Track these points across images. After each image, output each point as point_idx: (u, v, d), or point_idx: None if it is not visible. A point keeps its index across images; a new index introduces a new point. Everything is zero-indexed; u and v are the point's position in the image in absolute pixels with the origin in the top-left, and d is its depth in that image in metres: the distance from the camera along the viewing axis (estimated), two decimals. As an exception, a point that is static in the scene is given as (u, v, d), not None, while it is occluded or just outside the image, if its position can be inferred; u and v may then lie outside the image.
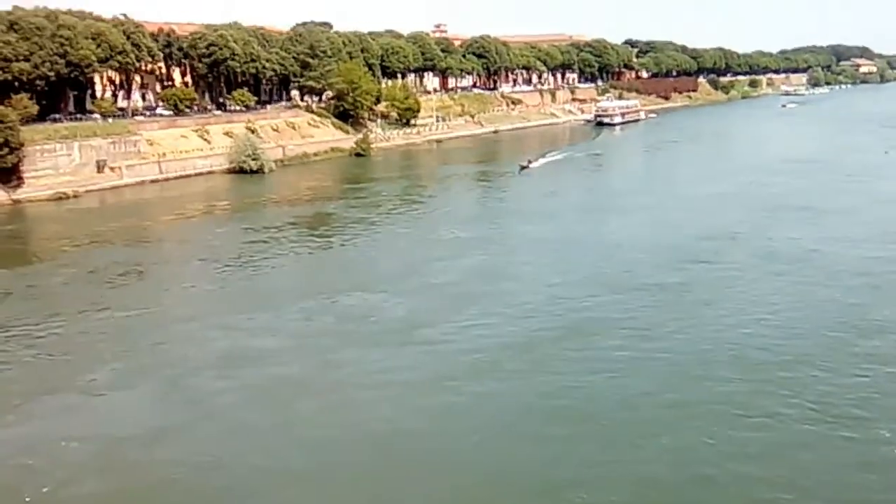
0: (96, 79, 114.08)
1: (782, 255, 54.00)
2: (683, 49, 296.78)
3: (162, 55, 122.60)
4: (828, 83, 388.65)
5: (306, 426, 30.96)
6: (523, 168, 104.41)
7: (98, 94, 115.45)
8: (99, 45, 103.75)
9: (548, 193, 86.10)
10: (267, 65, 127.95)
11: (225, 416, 31.84)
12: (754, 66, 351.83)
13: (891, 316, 40.93)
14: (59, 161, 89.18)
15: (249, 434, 30.34)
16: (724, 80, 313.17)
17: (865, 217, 67.06)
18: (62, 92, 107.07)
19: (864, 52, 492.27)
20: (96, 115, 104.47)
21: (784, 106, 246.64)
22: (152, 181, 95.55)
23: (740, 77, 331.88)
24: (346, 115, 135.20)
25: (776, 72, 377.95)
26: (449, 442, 29.49)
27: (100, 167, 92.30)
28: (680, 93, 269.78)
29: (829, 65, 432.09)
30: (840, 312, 41.73)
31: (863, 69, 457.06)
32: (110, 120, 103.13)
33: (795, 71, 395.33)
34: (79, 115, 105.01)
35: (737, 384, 32.95)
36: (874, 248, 55.55)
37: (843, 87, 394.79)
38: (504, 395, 33.02)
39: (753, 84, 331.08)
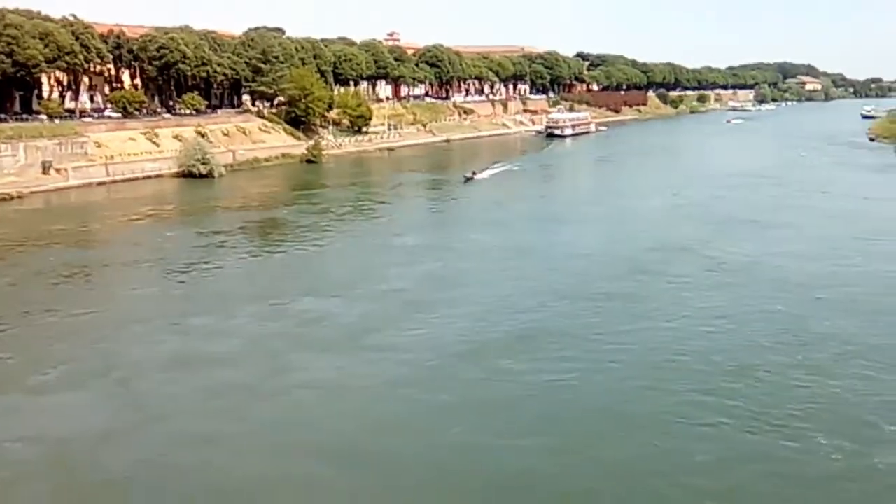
0: (43, 79, 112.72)
1: (728, 267, 54.68)
2: (634, 63, 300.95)
3: (111, 57, 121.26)
4: (774, 100, 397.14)
5: (254, 429, 30.65)
6: (468, 179, 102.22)
7: (45, 95, 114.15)
8: (47, 45, 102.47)
9: (496, 203, 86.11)
10: (218, 69, 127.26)
11: (173, 419, 31.45)
12: (703, 82, 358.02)
13: (832, 327, 41.58)
14: (3, 161, 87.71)
15: (197, 437, 30.05)
16: (673, 94, 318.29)
17: (809, 231, 68.25)
18: (8, 92, 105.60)
19: (810, 70, 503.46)
20: (43, 116, 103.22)
21: (729, 121, 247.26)
22: (99, 183, 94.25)
23: (689, 92, 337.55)
24: (297, 121, 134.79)
25: (724, 87, 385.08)
26: (392, 449, 29.26)
27: (45, 168, 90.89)
28: (630, 106, 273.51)
29: (776, 82, 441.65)
30: (783, 324, 42.26)
31: (808, 87, 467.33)
32: (57, 121, 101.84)
33: (743, 87, 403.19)
34: (25, 116, 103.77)
35: (682, 394, 33.19)
36: (816, 261, 56.55)
37: (789, 104, 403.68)
38: (449, 403, 32.93)
39: (702, 99, 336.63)
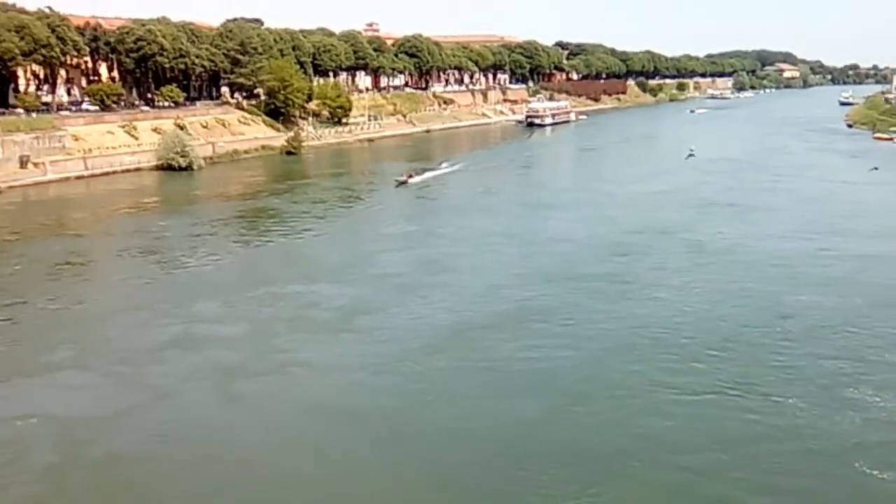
0: (19, 72, 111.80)
1: (708, 248, 56.55)
2: (613, 52, 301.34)
3: (88, 49, 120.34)
4: (753, 87, 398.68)
5: (252, 406, 31.84)
6: (401, 183, 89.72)
7: (21, 88, 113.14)
8: (22, 38, 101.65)
9: (479, 195, 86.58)
10: (196, 61, 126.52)
11: (174, 398, 32.52)
12: (682, 70, 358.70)
13: (807, 301, 43.56)
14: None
15: (197, 413, 31.26)
16: (653, 83, 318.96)
17: (787, 214, 70.04)
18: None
19: (788, 58, 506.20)
20: (19, 110, 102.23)
21: (693, 112, 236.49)
22: (77, 177, 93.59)
23: (668, 80, 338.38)
24: (277, 112, 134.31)
25: (703, 76, 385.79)
26: (385, 423, 30.24)
27: (23, 163, 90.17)
28: (609, 95, 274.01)
29: (755, 69, 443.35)
30: (759, 298, 44.22)
31: (786, 74, 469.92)
32: (34, 114, 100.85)
33: (721, 75, 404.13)
34: (1, 110, 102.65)
35: (663, 363, 34.89)
36: (793, 241, 58.53)
37: (768, 91, 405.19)
38: (441, 375, 34.22)
39: (681, 87, 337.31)
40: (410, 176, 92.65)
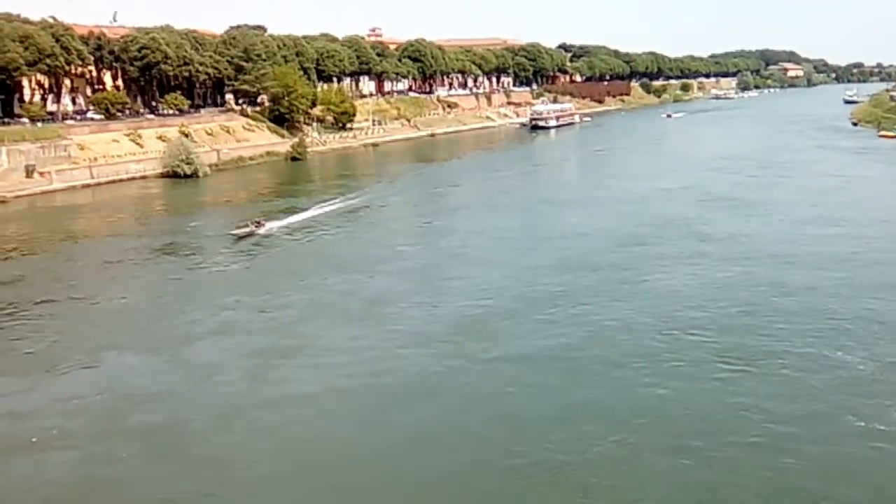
0: (24, 82, 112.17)
1: (714, 238, 59.47)
2: (616, 53, 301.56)
3: (92, 58, 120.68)
4: (757, 87, 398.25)
5: (284, 385, 34.41)
6: (242, 237, 63.84)
7: (26, 98, 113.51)
8: (27, 48, 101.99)
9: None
10: (200, 68, 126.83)
11: (217, 380, 35.25)
12: (685, 71, 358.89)
13: (805, 282, 46.80)
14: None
15: (237, 392, 33.81)
16: (657, 83, 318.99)
17: (792, 208, 72.10)
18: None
19: (792, 57, 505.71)
20: (25, 120, 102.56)
21: (670, 116, 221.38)
22: (83, 186, 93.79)
23: (672, 81, 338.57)
24: (281, 118, 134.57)
25: (707, 76, 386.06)
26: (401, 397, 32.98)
27: (29, 172, 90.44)
28: (613, 96, 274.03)
29: (758, 69, 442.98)
30: (759, 280, 47.44)
31: (790, 73, 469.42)
32: (39, 124, 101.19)
33: (725, 75, 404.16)
34: (6, 120, 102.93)
35: (670, 339, 37.89)
36: (796, 232, 61.35)
37: (772, 90, 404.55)
38: (464, 360, 36.51)
39: (685, 88, 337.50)
40: (258, 223, 66.91)
